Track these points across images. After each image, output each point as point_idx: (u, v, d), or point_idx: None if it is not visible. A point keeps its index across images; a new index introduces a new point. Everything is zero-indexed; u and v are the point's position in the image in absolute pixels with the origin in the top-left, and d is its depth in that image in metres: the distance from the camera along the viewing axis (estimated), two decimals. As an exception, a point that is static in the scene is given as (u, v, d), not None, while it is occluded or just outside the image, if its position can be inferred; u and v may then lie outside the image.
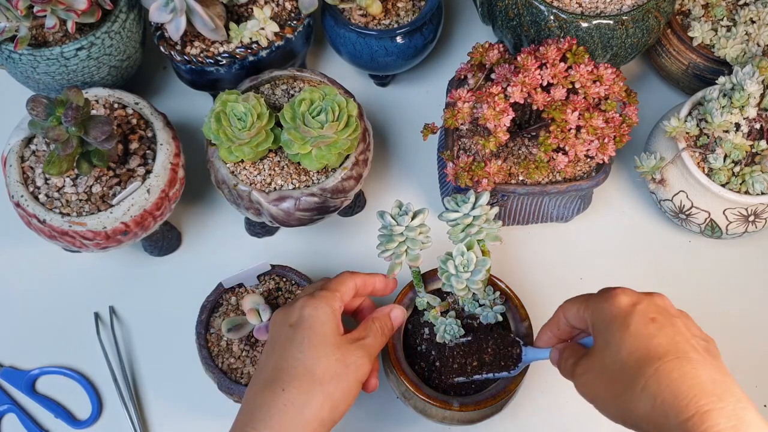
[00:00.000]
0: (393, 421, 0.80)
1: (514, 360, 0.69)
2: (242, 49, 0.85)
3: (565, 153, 0.74)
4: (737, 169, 0.79)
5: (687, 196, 0.81)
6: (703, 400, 0.49)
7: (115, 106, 0.80)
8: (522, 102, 0.73)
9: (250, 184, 0.76)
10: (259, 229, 0.88)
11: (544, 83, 0.73)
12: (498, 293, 0.72)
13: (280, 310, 0.64)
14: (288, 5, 0.88)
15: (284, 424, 0.56)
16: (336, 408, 0.59)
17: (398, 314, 0.67)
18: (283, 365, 0.59)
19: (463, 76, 0.81)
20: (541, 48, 0.75)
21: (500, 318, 0.71)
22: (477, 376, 0.69)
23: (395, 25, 0.89)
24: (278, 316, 0.64)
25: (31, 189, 0.76)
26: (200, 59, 0.85)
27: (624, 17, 0.79)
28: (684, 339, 0.53)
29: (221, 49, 0.85)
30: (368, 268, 0.87)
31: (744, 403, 0.50)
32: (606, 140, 0.73)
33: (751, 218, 0.80)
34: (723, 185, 0.79)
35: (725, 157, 0.78)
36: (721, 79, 0.79)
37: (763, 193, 0.78)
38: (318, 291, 0.64)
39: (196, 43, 0.85)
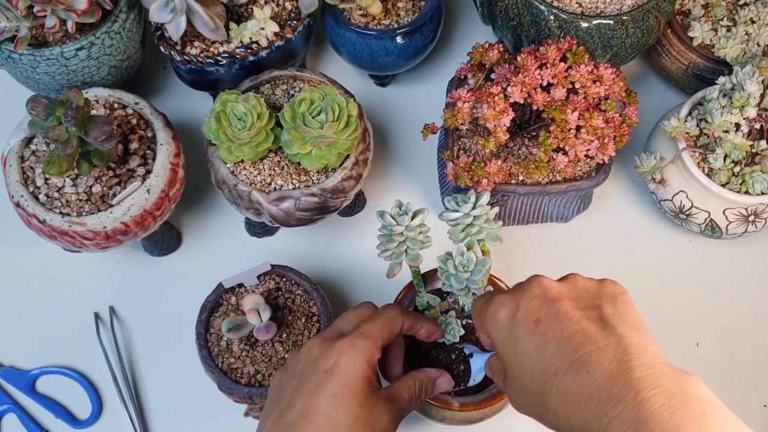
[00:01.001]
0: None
1: (461, 376, 0.69)
2: (242, 49, 0.85)
3: (565, 153, 0.74)
4: (737, 169, 0.79)
5: (687, 196, 0.81)
6: (603, 410, 0.45)
7: (115, 106, 0.80)
8: (522, 102, 0.73)
9: (250, 184, 0.76)
10: (259, 229, 0.88)
11: (544, 83, 0.73)
12: None
13: (317, 344, 0.59)
14: (288, 5, 0.88)
15: None
16: None
17: (444, 383, 0.64)
18: (310, 415, 0.55)
19: (463, 76, 0.81)
20: (541, 48, 0.75)
21: None
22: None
23: (395, 25, 0.89)
24: (314, 350, 0.59)
25: (31, 189, 0.76)
26: (200, 59, 0.85)
27: (624, 17, 0.79)
28: (573, 329, 0.50)
29: (221, 49, 0.85)
30: (368, 268, 0.88)
31: (645, 392, 0.44)
32: (606, 140, 0.73)
33: (751, 218, 0.80)
34: (723, 185, 0.79)
35: (725, 157, 0.79)
36: (721, 79, 0.79)
37: (763, 193, 0.78)
38: (359, 336, 0.59)
39: (196, 43, 0.85)
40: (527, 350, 0.50)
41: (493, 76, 0.77)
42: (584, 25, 0.79)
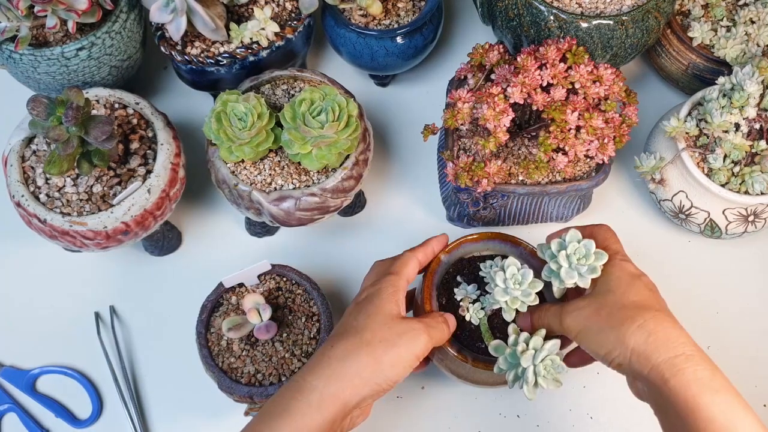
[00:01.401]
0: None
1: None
2: (243, 49, 0.85)
3: (565, 153, 0.74)
4: (737, 169, 0.79)
5: (687, 196, 0.81)
6: (688, 346, 0.59)
7: (116, 106, 0.80)
8: (522, 102, 0.73)
9: (251, 184, 0.77)
10: (259, 229, 0.89)
11: (544, 84, 0.73)
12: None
13: (354, 302, 0.68)
14: (288, 5, 0.88)
15: (327, 373, 0.60)
16: (381, 371, 0.61)
17: (452, 320, 0.69)
18: (338, 330, 0.64)
19: (463, 77, 0.81)
20: (541, 48, 0.75)
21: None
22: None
23: (395, 26, 0.89)
24: (351, 305, 0.68)
25: (32, 189, 0.76)
26: (201, 59, 0.85)
27: (624, 17, 0.79)
28: (670, 311, 0.64)
29: (222, 50, 0.85)
30: (367, 268, 0.87)
31: (713, 362, 0.59)
32: (606, 140, 0.73)
33: (751, 218, 0.80)
34: (722, 185, 0.79)
35: (725, 157, 0.79)
36: (721, 80, 0.79)
37: (762, 193, 0.78)
38: (384, 275, 0.67)
39: (197, 44, 0.85)
40: (639, 290, 0.63)
41: (493, 76, 0.77)
42: (584, 25, 0.79)
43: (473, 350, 0.70)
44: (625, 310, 0.61)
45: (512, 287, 0.67)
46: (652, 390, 0.59)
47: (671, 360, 0.57)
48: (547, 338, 0.66)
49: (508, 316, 0.68)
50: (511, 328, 0.68)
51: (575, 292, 0.69)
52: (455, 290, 0.72)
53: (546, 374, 0.65)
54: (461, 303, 0.72)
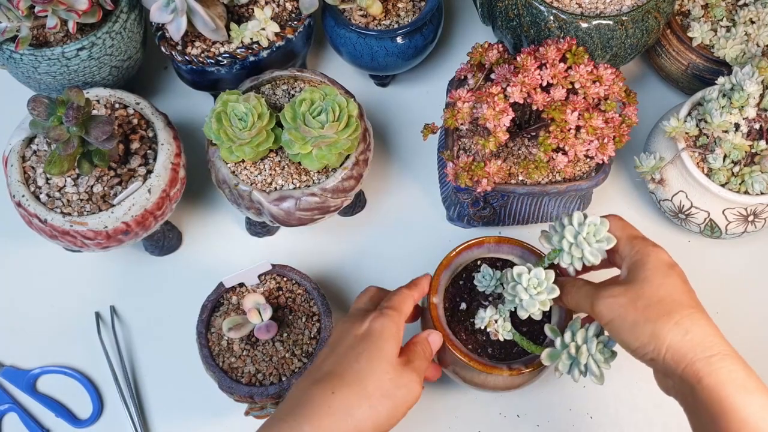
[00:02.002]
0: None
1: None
2: (243, 50, 0.85)
3: (565, 153, 0.74)
4: (737, 169, 0.79)
5: (686, 196, 0.81)
6: (723, 346, 0.58)
7: (116, 106, 0.80)
8: (522, 102, 0.73)
9: (251, 184, 0.77)
10: (259, 229, 0.89)
11: (544, 83, 0.73)
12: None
13: (348, 320, 0.66)
14: (288, 5, 0.88)
15: (326, 424, 0.58)
16: (378, 425, 0.60)
17: (436, 339, 0.69)
18: (338, 370, 0.61)
19: (463, 76, 0.81)
20: (540, 48, 0.75)
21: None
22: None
23: (395, 26, 0.89)
24: (345, 324, 0.65)
25: (33, 189, 0.76)
26: (201, 59, 0.85)
27: (623, 18, 0.79)
28: (702, 306, 0.62)
29: (222, 50, 0.85)
30: (367, 268, 0.88)
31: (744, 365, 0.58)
32: (605, 140, 0.73)
33: (751, 218, 0.80)
34: (722, 185, 0.79)
35: (725, 157, 0.79)
36: (721, 80, 0.79)
37: (762, 193, 0.78)
38: (386, 308, 0.65)
39: (197, 44, 0.85)
40: (676, 283, 0.61)
41: (492, 76, 0.77)
42: (584, 25, 0.79)
43: (485, 356, 0.71)
44: (663, 305, 0.60)
45: (534, 292, 0.65)
46: (684, 388, 0.58)
47: (707, 359, 0.57)
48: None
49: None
50: (547, 329, 0.67)
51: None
52: (475, 320, 0.71)
53: (603, 358, 0.63)
54: (488, 329, 0.71)
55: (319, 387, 0.59)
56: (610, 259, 0.66)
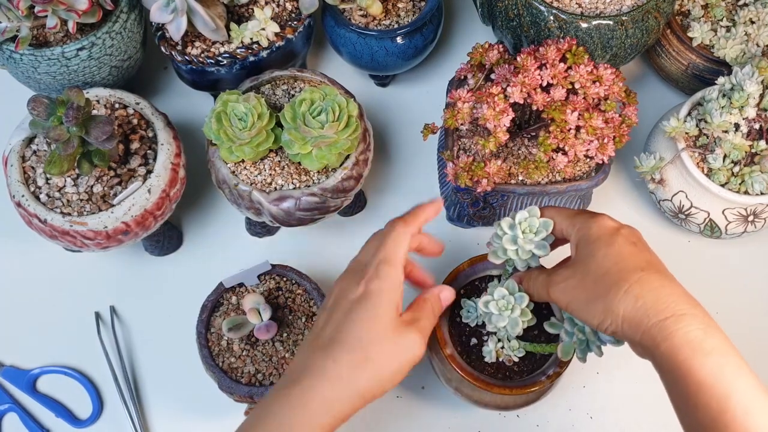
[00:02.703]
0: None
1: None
2: (243, 50, 0.85)
3: (565, 153, 0.74)
4: (736, 169, 0.79)
5: (686, 196, 0.81)
6: (680, 305, 0.55)
7: (116, 106, 0.80)
8: (522, 102, 0.73)
9: (251, 184, 0.77)
10: (259, 229, 0.89)
11: (544, 83, 0.73)
12: None
13: (344, 278, 0.64)
14: (288, 6, 0.88)
15: (329, 392, 0.58)
16: (380, 387, 0.60)
17: (448, 295, 0.66)
18: (338, 337, 0.59)
19: (463, 77, 0.81)
20: (540, 48, 0.75)
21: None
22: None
23: (395, 26, 0.89)
24: (342, 283, 0.63)
25: (32, 189, 0.76)
26: (201, 59, 0.85)
27: (623, 18, 0.79)
28: (659, 263, 0.60)
29: (222, 50, 0.85)
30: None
31: (709, 316, 0.57)
32: (605, 140, 0.73)
33: (751, 218, 0.80)
34: (722, 185, 0.79)
35: (724, 157, 0.79)
36: (721, 80, 0.79)
37: (762, 193, 0.78)
38: (382, 263, 0.62)
39: (197, 44, 0.85)
40: (621, 249, 0.59)
41: (493, 76, 0.77)
42: (584, 25, 0.79)
43: (486, 374, 0.71)
44: (609, 276, 0.58)
45: (509, 312, 0.65)
46: (647, 356, 0.57)
47: (661, 323, 0.55)
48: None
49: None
50: (547, 326, 0.66)
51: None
52: (484, 355, 0.71)
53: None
54: (500, 359, 0.71)
55: (320, 354, 0.59)
56: (563, 244, 0.66)
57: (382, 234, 0.65)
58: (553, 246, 0.66)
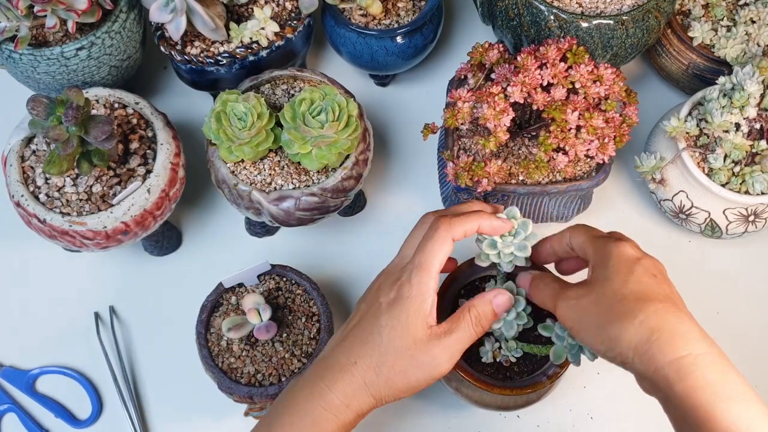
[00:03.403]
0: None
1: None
2: (242, 49, 0.85)
3: (565, 153, 0.74)
4: (737, 169, 0.79)
5: (687, 196, 0.81)
6: (697, 344, 0.53)
7: (116, 105, 0.80)
8: (522, 102, 0.73)
9: (251, 184, 0.76)
10: (259, 229, 0.88)
11: (544, 83, 0.73)
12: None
13: (384, 275, 0.63)
14: (288, 5, 0.88)
15: (349, 391, 0.59)
16: (394, 395, 0.60)
17: (502, 301, 0.63)
18: (362, 337, 0.60)
19: (463, 76, 0.81)
20: (541, 48, 0.75)
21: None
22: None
23: (395, 25, 0.89)
24: (381, 280, 0.63)
25: (32, 189, 0.76)
26: (200, 59, 0.85)
27: (624, 17, 0.79)
28: (678, 298, 0.58)
29: (221, 49, 0.85)
30: (368, 268, 0.87)
31: (725, 356, 0.54)
32: (606, 140, 0.73)
33: (751, 218, 0.80)
34: (723, 185, 0.79)
35: (725, 157, 0.79)
36: (721, 79, 0.79)
37: (763, 193, 0.78)
38: (416, 269, 0.60)
39: (197, 43, 0.85)
40: (640, 278, 0.57)
41: (493, 76, 0.77)
42: (584, 25, 0.79)
43: (486, 374, 0.70)
44: (625, 303, 0.55)
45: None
46: (658, 393, 0.54)
47: (677, 362, 0.52)
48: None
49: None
50: (541, 329, 0.65)
51: (575, 263, 0.66)
52: (481, 355, 0.70)
53: None
54: (497, 359, 0.70)
55: (343, 350, 0.61)
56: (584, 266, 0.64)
57: (425, 232, 0.63)
58: (570, 269, 0.66)
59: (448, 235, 0.61)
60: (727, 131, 0.78)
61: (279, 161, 0.78)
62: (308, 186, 0.76)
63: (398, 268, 0.63)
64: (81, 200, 0.75)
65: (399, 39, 0.88)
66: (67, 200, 0.75)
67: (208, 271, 0.85)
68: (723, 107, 0.77)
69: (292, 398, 0.60)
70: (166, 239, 0.86)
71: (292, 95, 0.81)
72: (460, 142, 0.81)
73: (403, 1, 0.91)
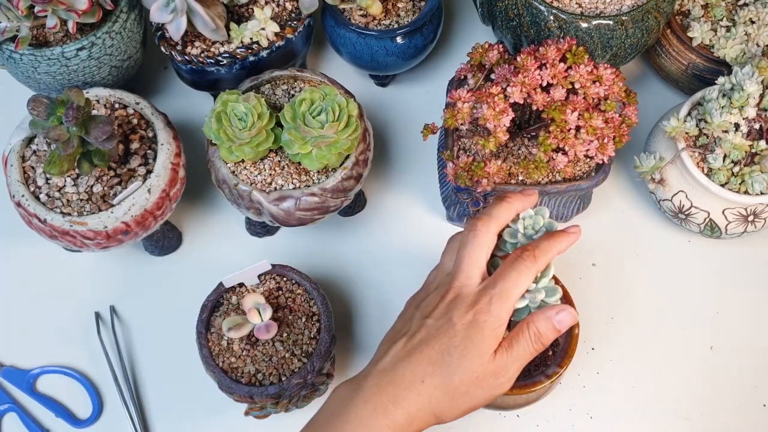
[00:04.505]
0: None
1: None
2: (243, 50, 0.85)
3: (565, 153, 0.74)
4: (736, 169, 0.79)
5: (686, 196, 0.81)
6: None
7: (116, 106, 0.80)
8: (522, 102, 0.73)
9: (251, 184, 0.77)
10: (259, 229, 0.89)
11: (544, 83, 0.73)
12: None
13: (460, 295, 0.61)
14: (288, 5, 0.88)
15: (413, 409, 0.59)
16: (456, 415, 0.60)
17: (566, 318, 0.60)
18: (429, 353, 0.59)
19: (463, 77, 0.81)
20: (540, 48, 0.75)
21: None
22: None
23: (395, 26, 0.89)
24: (450, 295, 0.61)
25: (32, 189, 0.76)
26: (201, 59, 0.85)
27: (623, 17, 0.79)
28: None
29: (222, 50, 0.85)
30: (367, 268, 0.88)
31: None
32: (605, 140, 0.73)
33: (751, 218, 0.80)
34: (722, 185, 0.79)
35: (724, 157, 0.79)
36: (721, 80, 0.79)
37: (762, 193, 0.78)
38: (496, 299, 0.59)
39: (197, 43, 0.85)
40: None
41: (492, 76, 0.77)
42: (584, 25, 0.79)
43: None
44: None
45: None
46: None
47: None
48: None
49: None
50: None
51: None
52: None
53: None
54: None
55: (410, 367, 0.59)
56: None
57: (505, 261, 0.61)
58: None
59: (534, 266, 0.60)
60: (726, 131, 0.78)
61: (279, 161, 0.78)
62: (308, 186, 0.76)
63: (473, 292, 0.61)
64: (81, 200, 0.75)
65: (399, 39, 0.88)
66: (68, 200, 0.75)
67: (209, 270, 0.85)
68: (722, 107, 0.77)
69: (355, 413, 0.59)
70: (166, 239, 0.87)
71: (293, 95, 0.81)
72: (459, 143, 0.81)
73: (403, 1, 0.91)
